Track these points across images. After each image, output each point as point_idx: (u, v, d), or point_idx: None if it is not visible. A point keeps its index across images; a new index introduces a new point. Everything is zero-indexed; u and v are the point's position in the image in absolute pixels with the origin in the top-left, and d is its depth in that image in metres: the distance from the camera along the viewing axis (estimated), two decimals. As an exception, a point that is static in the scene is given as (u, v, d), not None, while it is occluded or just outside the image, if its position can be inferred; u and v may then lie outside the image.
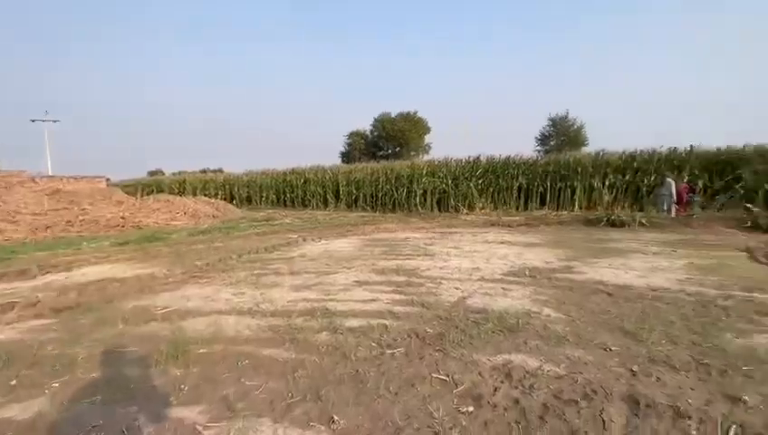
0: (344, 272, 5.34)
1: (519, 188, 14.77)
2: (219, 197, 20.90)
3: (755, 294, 3.91)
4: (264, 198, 20.56)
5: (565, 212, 13.22)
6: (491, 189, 15.05)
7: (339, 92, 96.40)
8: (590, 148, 22.79)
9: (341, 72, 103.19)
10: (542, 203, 14.41)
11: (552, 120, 40.56)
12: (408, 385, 2.32)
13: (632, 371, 2.41)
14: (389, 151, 45.98)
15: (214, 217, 14.40)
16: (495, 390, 2.24)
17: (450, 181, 15.27)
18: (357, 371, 2.52)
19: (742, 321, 3.23)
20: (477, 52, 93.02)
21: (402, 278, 4.89)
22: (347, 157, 46.25)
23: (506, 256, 6.17)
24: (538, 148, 39.55)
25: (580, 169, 13.91)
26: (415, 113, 46.98)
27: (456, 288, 4.37)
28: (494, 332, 3.08)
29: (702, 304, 3.64)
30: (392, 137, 45.87)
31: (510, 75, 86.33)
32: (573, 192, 13.90)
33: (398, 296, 4.13)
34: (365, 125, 49.97)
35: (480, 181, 15.08)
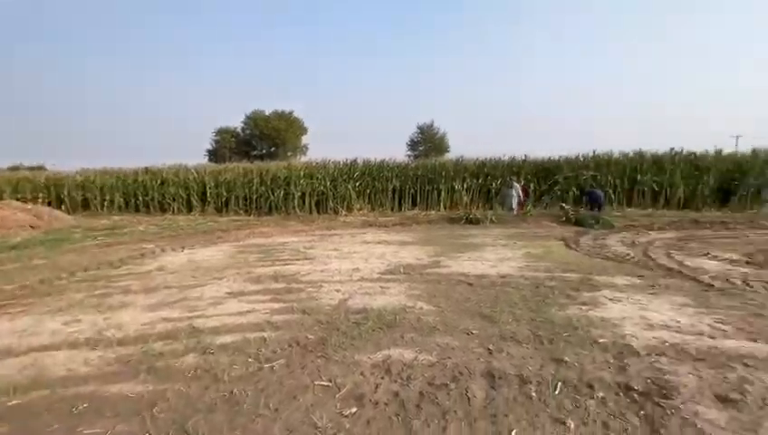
0: (214, 283, 4.84)
1: (393, 190, 15.71)
2: (41, 201, 16.61)
3: (568, 275, 4.98)
4: (107, 203, 17.10)
5: (433, 212, 14.60)
6: (368, 191, 15.63)
7: (200, 88, 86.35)
8: (452, 154, 25.73)
9: (203, 65, 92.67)
10: (414, 204, 15.62)
11: (420, 127, 44.53)
12: (290, 398, 2.22)
13: (489, 349, 2.80)
14: (264, 151, 43.70)
15: (32, 226, 11.37)
16: (377, 387, 2.32)
17: (329, 183, 15.31)
18: (232, 392, 2.30)
19: (562, 296, 4.06)
20: (353, 52, 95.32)
21: (281, 285, 4.68)
22: (215, 156, 42.19)
23: (384, 255, 6.49)
24: (409, 153, 42.86)
25: (444, 173, 15.56)
26: (290, 113, 45.74)
27: (337, 290, 4.39)
28: (373, 330, 3.19)
29: (535, 286, 4.46)
30: (267, 136, 43.69)
31: (386, 78, 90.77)
32: (439, 194, 15.46)
33: (276, 305, 3.94)
34: (235, 122, 46.41)
35: (358, 183, 15.51)
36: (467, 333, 3.11)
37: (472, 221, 11.15)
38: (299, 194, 15.20)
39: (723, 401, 2.09)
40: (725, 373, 2.37)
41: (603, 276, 4.87)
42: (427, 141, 43.45)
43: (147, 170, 17.48)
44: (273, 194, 15.25)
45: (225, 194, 15.84)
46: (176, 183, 16.48)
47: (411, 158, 28.49)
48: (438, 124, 44.05)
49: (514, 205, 12.92)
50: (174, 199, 16.32)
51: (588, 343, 2.88)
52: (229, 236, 9.44)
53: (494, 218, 11.20)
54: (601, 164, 14.56)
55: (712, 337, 2.93)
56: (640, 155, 14.51)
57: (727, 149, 14.64)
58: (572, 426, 1.91)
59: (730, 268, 5.18)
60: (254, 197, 15.47)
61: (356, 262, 5.95)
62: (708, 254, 6.14)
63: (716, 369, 2.43)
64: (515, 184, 13.24)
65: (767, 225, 9.31)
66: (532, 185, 14.60)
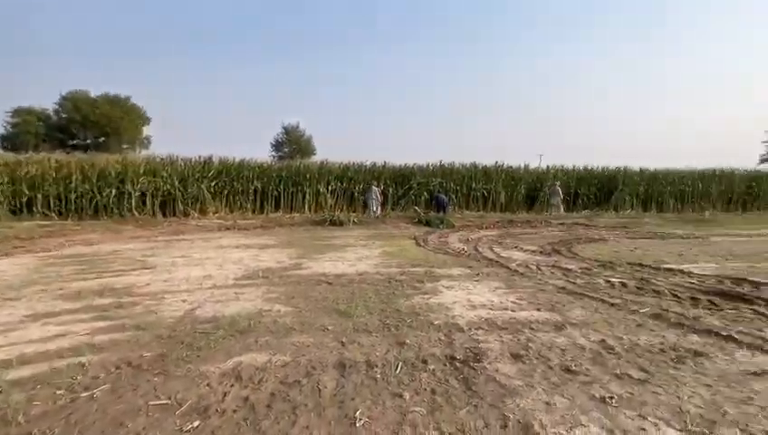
0: (5, 306, 3.78)
1: (255, 192, 14.91)
2: None
3: (416, 269, 5.62)
4: None
5: (297, 214, 14.44)
6: (226, 192, 14.45)
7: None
8: (319, 157, 25.83)
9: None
10: (277, 206, 15.14)
11: (286, 128, 43.33)
12: (115, 426, 1.93)
13: (342, 342, 2.96)
14: (89, 141, 35.85)
15: None
16: (225, 395, 2.21)
17: (177, 182, 13.53)
18: (30, 434, 1.86)
19: (409, 288, 4.56)
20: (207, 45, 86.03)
21: (109, 300, 3.96)
22: (12, 143, 32.57)
23: (241, 260, 6.13)
24: (273, 153, 41.23)
25: (309, 176, 15.54)
26: (127, 98, 38.72)
27: (183, 301, 3.96)
28: (224, 338, 3.01)
29: (388, 280, 4.89)
30: (93, 123, 35.90)
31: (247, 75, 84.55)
32: (304, 196, 15.37)
33: (102, 323, 3.33)
34: (45, 103, 36.79)
35: (213, 183, 14.17)
36: (323, 330, 3.22)
37: (335, 223, 11.47)
38: (138, 194, 13.01)
39: (515, 357, 2.71)
40: (518, 337, 3.07)
41: (443, 269, 5.66)
42: (293, 143, 42.59)
43: None
44: (102, 193, 12.68)
45: (26, 192, 12.39)
46: (-60, 176, 12.11)
47: (276, 159, 27.51)
48: (305, 126, 43.68)
49: (375, 207, 13.88)
50: (-63, 198, 11.96)
51: (426, 325, 3.33)
52: (33, 245, 7.48)
53: (356, 220, 11.77)
54: (446, 173, 16.80)
55: (513, 310, 3.75)
56: (474, 167, 17.29)
57: (533, 165, 18.68)
58: (408, 397, 2.19)
59: (530, 257, 6.67)
60: (73, 196, 12.56)
61: (208, 268, 5.46)
62: (517, 247, 7.76)
63: (513, 334, 3.13)
64: (374, 188, 14.23)
65: (555, 223, 12.29)
66: (390, 189, 15.85)
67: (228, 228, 10.63)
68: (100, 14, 73.53)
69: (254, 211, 14.65)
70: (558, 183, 16.28)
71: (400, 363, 2.60)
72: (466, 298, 4.17)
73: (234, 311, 3.65)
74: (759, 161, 29.94)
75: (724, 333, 3.11)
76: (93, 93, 37.03)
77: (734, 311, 3.72)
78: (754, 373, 2.48)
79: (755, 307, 3.80)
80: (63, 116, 36.41)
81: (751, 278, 4.90)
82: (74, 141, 35.23)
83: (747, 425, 1.95)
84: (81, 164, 13.10)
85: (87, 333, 3.09)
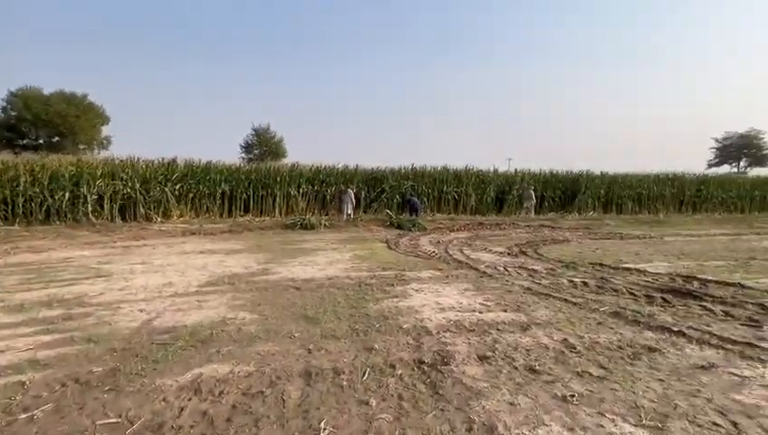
0: (-63, 320, 3.45)
1: (223, 195, 14.44)
2: None
3: (386, 272, 5.60)
4: None
5: (267, 218, 14.09)
6: (191, 195, 13.88)
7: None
8: (290, 160, 25.37)
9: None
10: (246, 210, 14.73)
11: (256, 130, 42.36)
12: (57, 449, 1.78)
13: (309, 350, 2.89)
14: (41, 141, 33.65)
15: None
16: (182, 410, 2.10)
17: (139, 185, 12.87)
18: (-45, 464, 1.69)
19: (379, 292, 4.53)
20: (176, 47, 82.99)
21: (57, 312, 3.69)
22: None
23: (206, 266, 5.89)
24: (242, 155, 40.19)
25: (279, 178, 15.21)
26: (84, 96, 36.62)
27: (141, 310, 3.75)
28: (184, 349, 2.87)
29: (358, 284, 4.84)
30: (46, 122, 33.66)
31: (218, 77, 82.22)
32: (274, 199, 15.03)
33: (47, 337, 3.09)
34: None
35: (178, 186, 13.59)
36: (290, 337, 3.13)
37: (306, 227, 11.29)
38: (95, 197, 12.28)
39: (481, 359, 2.74)
40: (485, 338, 3.11)
41: (413, 272, 5.67)
42: (263, 145, 41.68)
43: None
44: (54, 197, 11.86)
45: (-34, 196, 11.42)
46: None
47: (245, 161, 26.82)
48: (275, 128, 42.88)
49: (349, 210, 13.82)
50: None
51: (395, 329, 3.32)
52: (-27, 253, 6.88)
53: (327, 223, 11.63)
54: (418, 176, 16.92)
55: (480, 312, 3.80)
56: (445, 170, 17.52)
57: (502, 168, 19.15)
58: (374, 404, 2.16)
59: (498, 258, 6.81)
60: (21, 200, 11.67)
61: (169, 276, 5.22)
62: (486, 248, 7.91)
63: (480, 336, 3.17)
64: (349, 190, 14.18)
65: (522, 225, 12.65)
66: (363, 193, 15.79)
67: (193, 233, 10.23)
68: (58, 9, 69.37)
69: (221, 215, 14.18)
70: (533, 187, 16.75)
71: (368, 369, 2.56)
72: (435, 301, 4.19)
73: (195, 320, 3.49)
74: (707, 166, 32.18)
75: (676, 329, 3.28)
76: (47, 91, 34.80)
77: (684, 307, 3.95)
78: (702, 367, 2.63)
79: (704, 304, 4.04)
80: (12, 114, 33.92)
81: (700, 276, 5.23)
82: (24, 141, 32.98)
83: (696, 417, 2.05)
84: (30, 166, 12.20)
85: (30, 349, 2.86)
